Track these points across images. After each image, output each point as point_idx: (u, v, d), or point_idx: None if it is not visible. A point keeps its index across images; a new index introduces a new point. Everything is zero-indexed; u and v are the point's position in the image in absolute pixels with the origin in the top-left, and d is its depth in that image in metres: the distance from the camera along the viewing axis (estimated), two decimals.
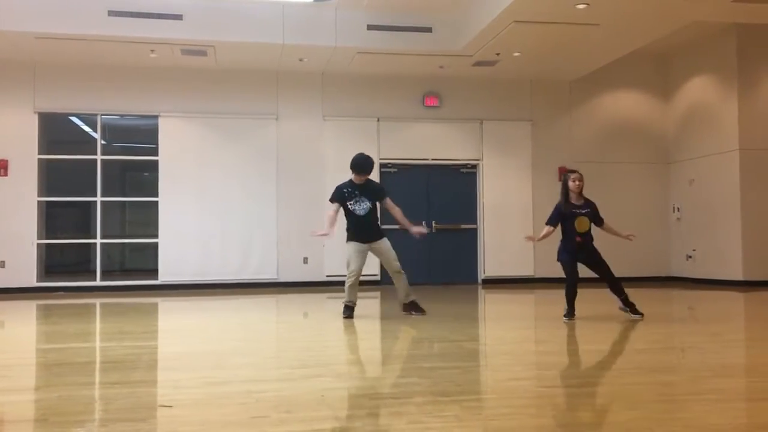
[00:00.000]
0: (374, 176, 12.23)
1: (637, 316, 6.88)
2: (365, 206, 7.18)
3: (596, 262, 6.90)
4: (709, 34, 11.78)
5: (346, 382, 4.34)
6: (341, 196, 7.26)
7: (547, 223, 7.03)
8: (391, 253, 7.23)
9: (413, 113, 12.56)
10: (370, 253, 7.27)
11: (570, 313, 6.90)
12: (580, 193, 6.89)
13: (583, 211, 6.85)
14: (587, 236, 6.87)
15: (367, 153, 7.54)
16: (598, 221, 6.98)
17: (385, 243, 7.25)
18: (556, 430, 3.14)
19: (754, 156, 11.41)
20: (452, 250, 12.65)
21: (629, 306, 6.97)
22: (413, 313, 7.29)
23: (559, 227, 6.97)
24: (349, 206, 7.20)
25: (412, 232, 7.39)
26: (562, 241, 6.97)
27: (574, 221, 6.81)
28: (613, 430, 3.02)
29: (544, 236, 7.10)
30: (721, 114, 11.82)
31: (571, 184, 6.84)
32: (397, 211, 7.37)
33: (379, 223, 7.43)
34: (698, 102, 12.48)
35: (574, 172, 6.96)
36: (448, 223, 12.64)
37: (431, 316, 7.66)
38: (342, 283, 7.42)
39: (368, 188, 7.28)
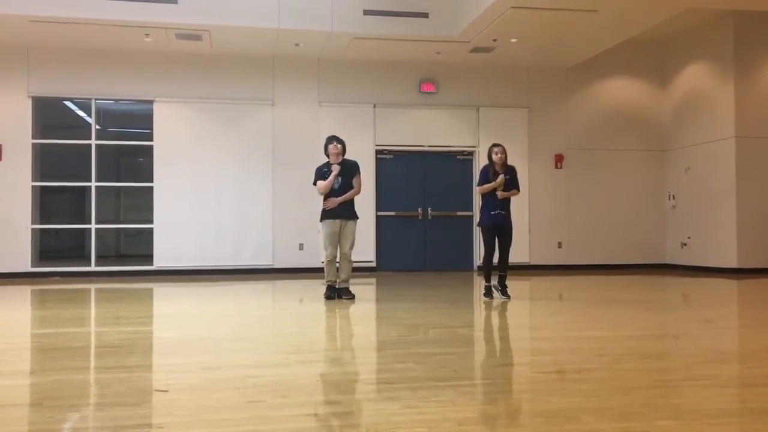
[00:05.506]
0: (370, 162, 12.49)
1: (505, 298, 7.56)
2: (341, 183, 7.65)
3: (507, 231, 7.63)
4: (706, 21, 11.76)
5: (341, 367, 4.35)
6: (321, 175, 7.74)
7: (478, 185, 7.77)
8: (351, 238, 7.67)
9: (409, 99, 12.52)
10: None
11: (488, 292, 7.52)
12: (503, 164, 7.59)
13: (503, 173, 7.54)
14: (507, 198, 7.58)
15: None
16: (516, 185, 7.66)
17: (352, 226, 7.69)
18: (550, 415, 3.15)
19: (750, 144, 11.43)
20: (448, 237, 12.65)
21: (503, 286, 7.64)
22: (344, 298, 7.69)
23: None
24: None
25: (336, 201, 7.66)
26: (483, 201, 7.64)
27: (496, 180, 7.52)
28: (607, 415, 3.04)
29: (488, 189, 7.60)
30: (717, 101, 11.82)
31: (494, 157, 7.57)
32: (354, 189, 7.73)
33: (353, 203, 7.80)
34: (695, 89, 12.47)
35: (497, 146, 7.65)
36: (444, 210, 12.64)
37: (427, 303, 7.68)
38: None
39: (344, 167, 7.69)
